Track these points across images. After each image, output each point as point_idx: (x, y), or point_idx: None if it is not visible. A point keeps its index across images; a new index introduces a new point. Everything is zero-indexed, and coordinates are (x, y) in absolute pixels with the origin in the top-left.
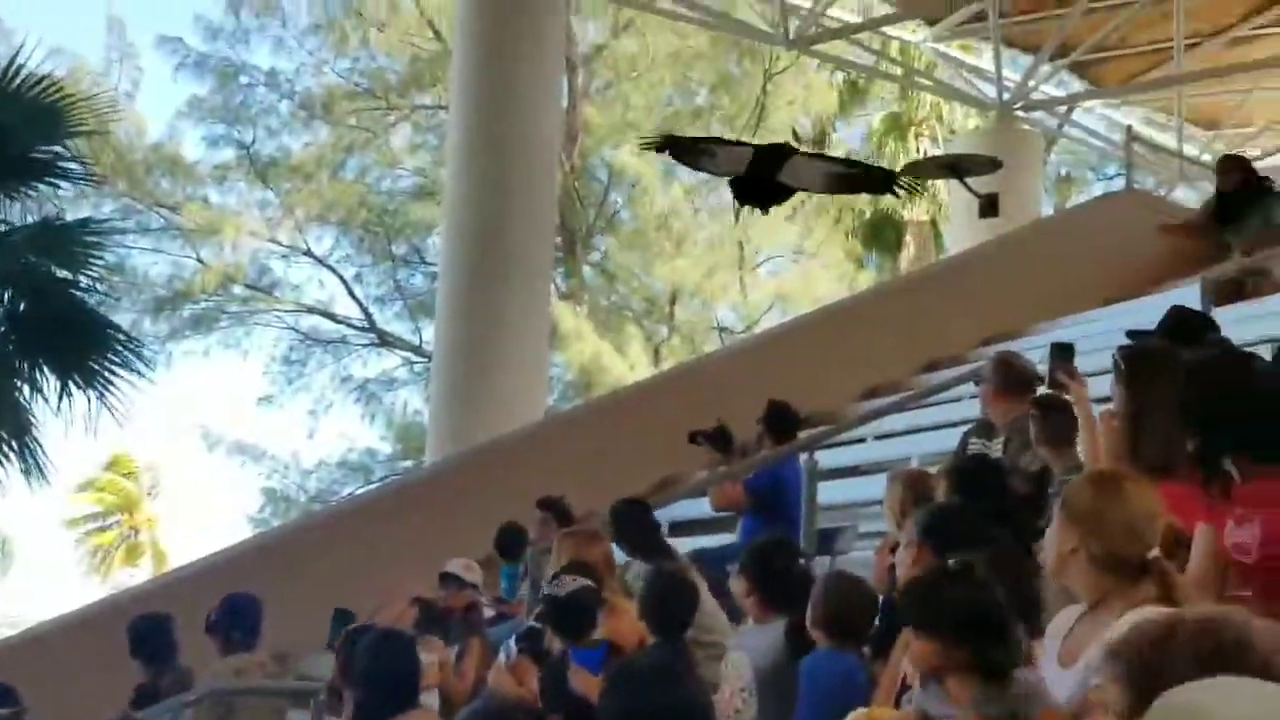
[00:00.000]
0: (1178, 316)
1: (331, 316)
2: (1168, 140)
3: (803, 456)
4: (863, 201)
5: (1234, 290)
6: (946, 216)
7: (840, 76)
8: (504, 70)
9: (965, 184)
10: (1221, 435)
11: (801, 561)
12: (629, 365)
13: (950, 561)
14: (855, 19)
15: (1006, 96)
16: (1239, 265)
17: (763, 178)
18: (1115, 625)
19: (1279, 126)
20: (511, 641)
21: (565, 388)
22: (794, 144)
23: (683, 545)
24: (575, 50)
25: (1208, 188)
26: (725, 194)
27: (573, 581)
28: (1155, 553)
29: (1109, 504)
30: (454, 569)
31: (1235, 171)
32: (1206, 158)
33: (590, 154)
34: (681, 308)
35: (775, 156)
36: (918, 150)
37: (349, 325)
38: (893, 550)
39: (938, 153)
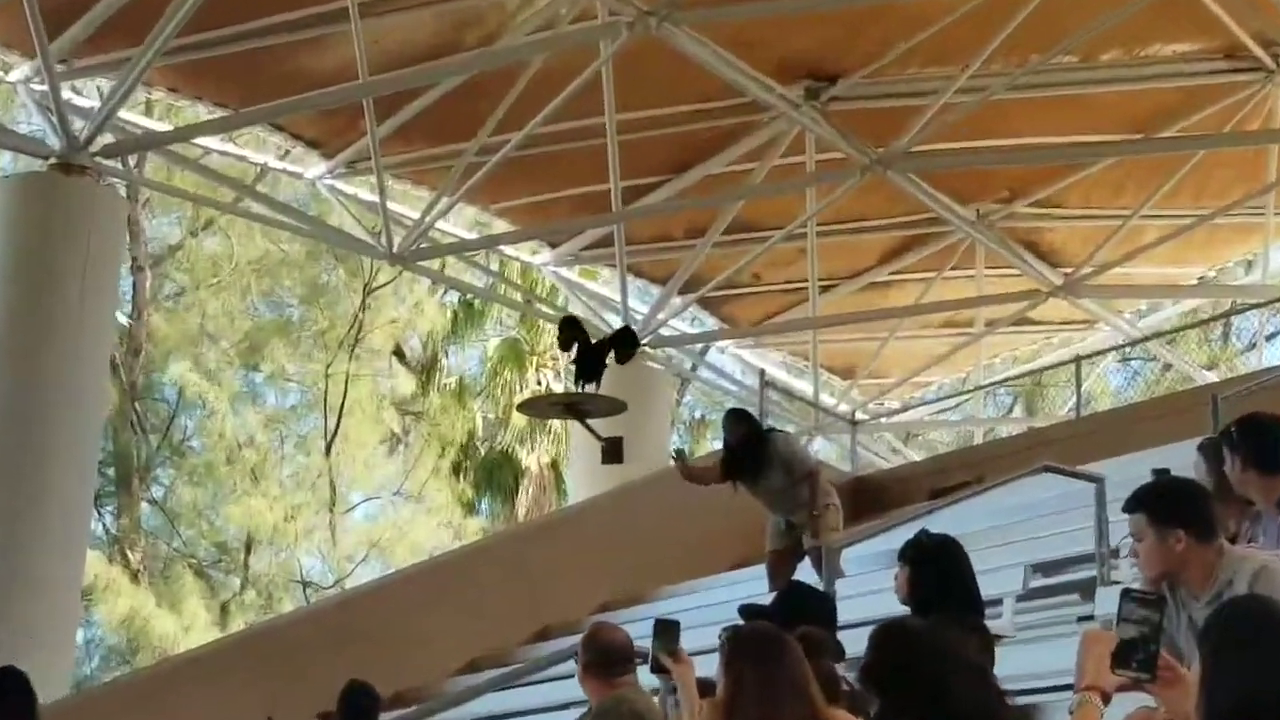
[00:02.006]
0: (793, 594)
1: None
2: (805, 387)
3: None
4: (477, 437)
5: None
6: (569, 459)
7: (456, 296)
8: (44, 274)
9: (586, 425)
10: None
11: None
12: (184, 625)
13: None
14: (469, 234)
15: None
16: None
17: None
18: None
19: (919, 380)
20: None
21: (108, 653)
22: None
23: None
24: (143, 250)
25: (843, 439)
26: (313, 422)
27: None
28: None
29: None
30: None
31: (741, 425)
32: (844, 408)
33: (156, 370)
34: (258, 556)
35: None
36: (539, 382)
37: None
38: None
39: (562, 387)
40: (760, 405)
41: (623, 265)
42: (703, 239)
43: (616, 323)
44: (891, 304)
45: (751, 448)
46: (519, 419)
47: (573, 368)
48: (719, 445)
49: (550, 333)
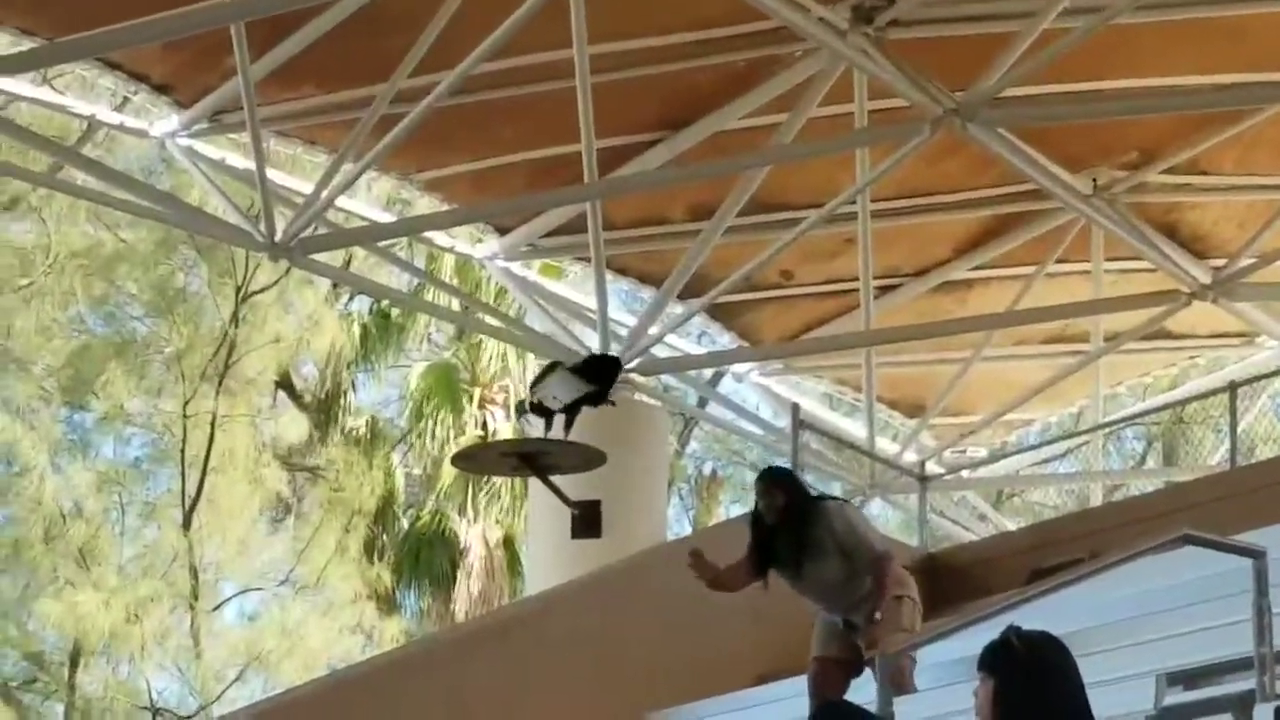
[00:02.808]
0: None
1: None
2: (856, 429)
3: None
4: (397, 503)
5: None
6: (525, 534)
7: (366, 303)
8: None
9: (550, 486)
10: None
11: None
12: None
13: None
14: (383, 216)
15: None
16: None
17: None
18: None
19: (1013, 417)
20: None
21: None
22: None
23: None
24: None
25: (908, 501)
26: (166, 482)
27: None
28: None
29: None
30: None
31: (779, 490)
32: (910, 457)
33: None
34: (88, 672)
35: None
36: (482, 425)
37: None
38: None
39: (516, 431)
40: (793, 455)
41: (600, 259)
42: (711, 222)
43: (590, 340)
44: (974, 311)
45: (794, 524)
46: (456, 477)
47: (531, 405)
48: (736, 511)
49: (498, 355)
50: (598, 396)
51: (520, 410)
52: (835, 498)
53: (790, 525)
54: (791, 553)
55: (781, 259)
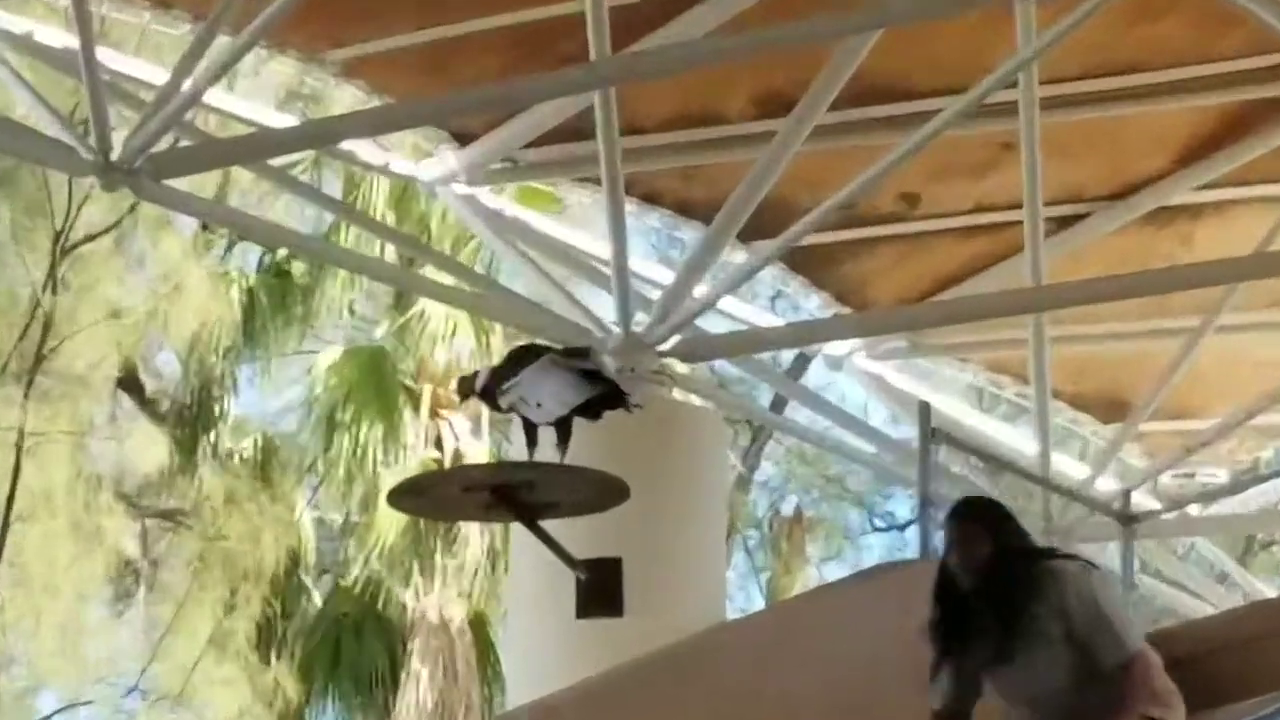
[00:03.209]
0: None
1: None
2: (1021, 439)
3: None
4: (305, 561)
5: None
6: (504, 608)
7: (253, 254)
8: None
9: (542, 535)
10: None
11: None
12: None
13: None
14: (278, 118)
15: (638, 329)
16: None
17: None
18: None
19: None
20: None
21: None
22: None
23: None
24: None
25: (1106, 555)
26: None
27: None
28: None
29: None
30: None
31: (980, 539)
32: (1108, 485)
33: None
34: None
35: None
36: (435, 439)
37: None
38: None
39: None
40: (921, 482)
41: (616, 180)
42: (788, 121)
43: (603, 307)
44: (1203, 255)
45: (1003, 589)
46: (397, 524)
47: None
48: (833, 571)
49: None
50: (608, 399)
51: (467, 390)
52: (1073, 556)
53: (996, 590)
54: (994, 633)
55: (901, 177)
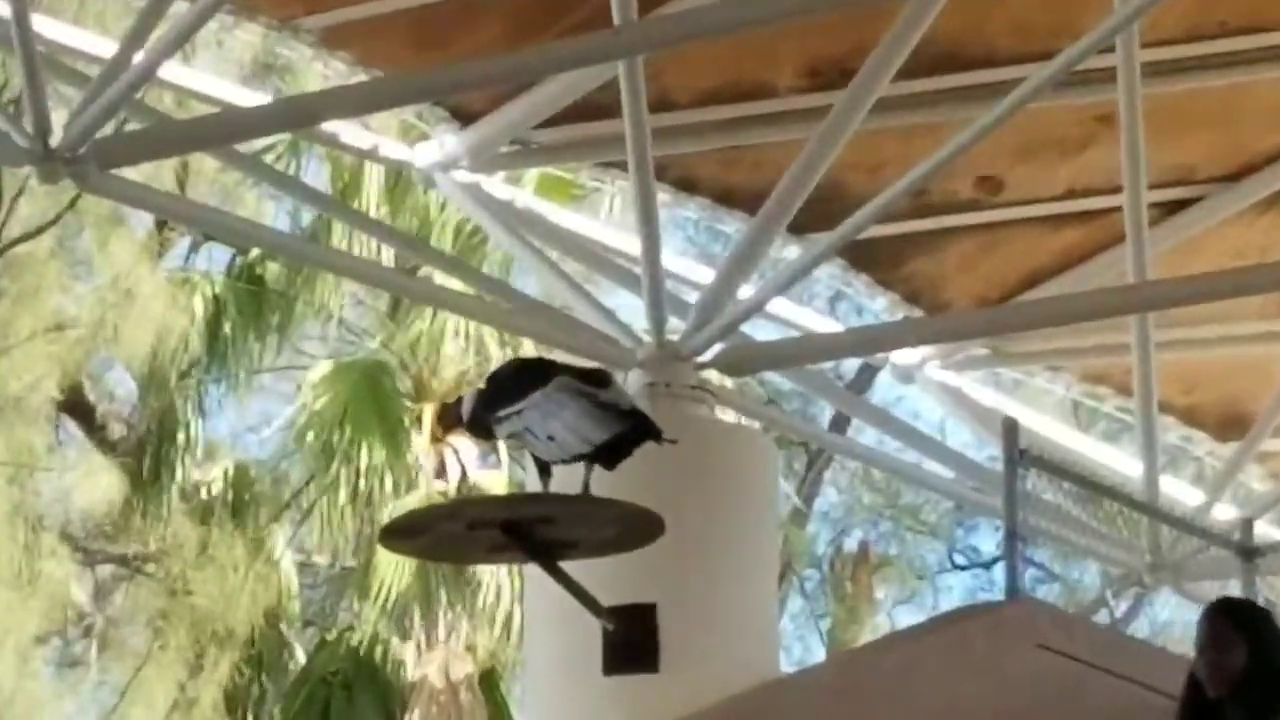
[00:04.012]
0: None
1: None
2: (1125, 461)
3: None
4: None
5: None
6: (519, 665)
7: (219, 253)
8: None
9: (563, 579)
10: None
11: None
12: None
13: None
14: (252, 96)
15: (673, 338)
16: None
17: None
18: None
19: None
20: None
21: None
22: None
23: None
24: None
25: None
26: None
27: None
28: None
29: None
30: None
31: (1235, 644)
32: (1225, 513)
33: None
34: None
35: None
36: (438, 467)
37: None
38: None
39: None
40: (1008, 513)
41: (645, 165)
42: (847, 93)
43: (631, 311)
44: None
45: (1261, 705)
46: (394, 568)
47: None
48: (904, 617)
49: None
50: (636, 436)
51: (452, 419)
52: None
53: (1250, 708)
54: None
55: (979, 157)
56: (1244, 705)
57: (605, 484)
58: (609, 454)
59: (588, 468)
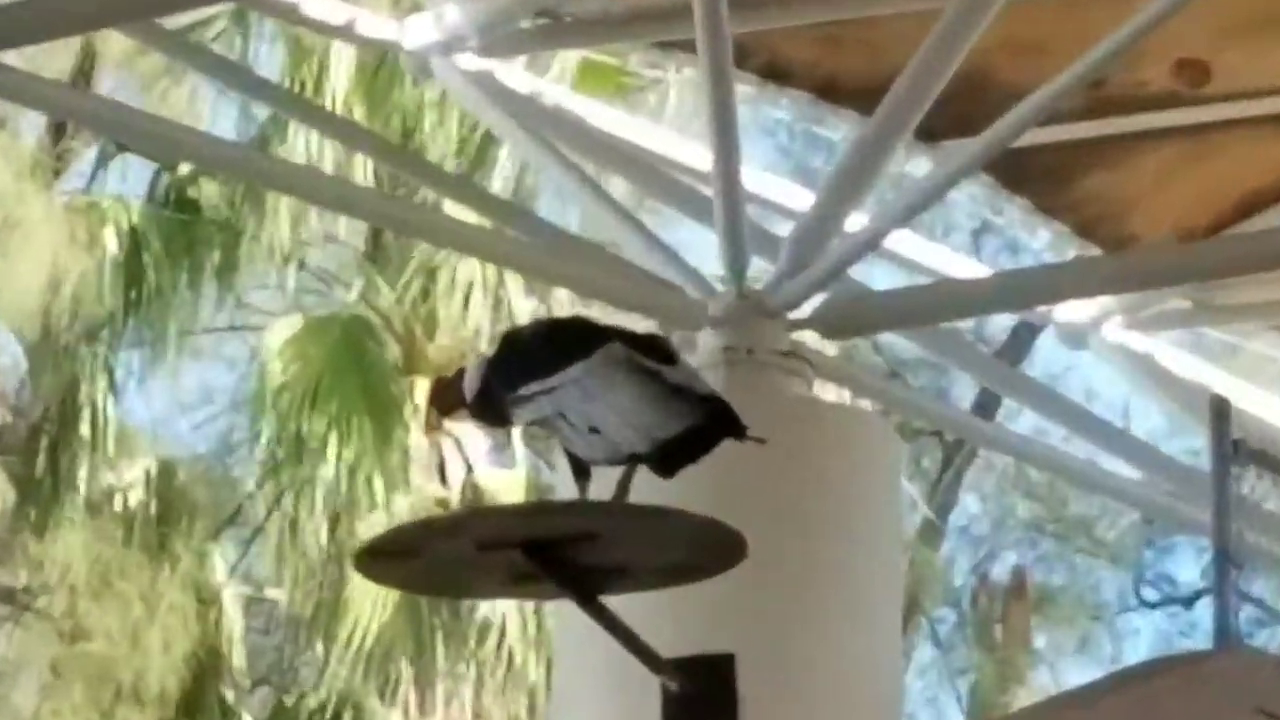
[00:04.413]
0: None
1: None
2: None
3: None
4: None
5: None
6: None
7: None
8: None
9: (609, 622)
10: None
11: None
12: None
13: None
14: None
15: (757, 286)
16: None
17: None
18: None
19: None
20: None
21: None
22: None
23: None
24: None
25: None
26: None
27: None
28: None
29: None
30: None
31: None
32: None
33: None
34: None
35: None
36: (433, 467)
37: None
38: None
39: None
40: (1219, 519)
41: (719, 46)
42: None
43: (701, 249)
44: None
45: None
46: (375, 601)
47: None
48: (1077, 671)
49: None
50: (714, 430)
51: (450, 400)
52: None
53: None
54: None
55: (1177, 37)
56: None
57: (655, 490)
58: (673, 455)
59: (632, 468)
